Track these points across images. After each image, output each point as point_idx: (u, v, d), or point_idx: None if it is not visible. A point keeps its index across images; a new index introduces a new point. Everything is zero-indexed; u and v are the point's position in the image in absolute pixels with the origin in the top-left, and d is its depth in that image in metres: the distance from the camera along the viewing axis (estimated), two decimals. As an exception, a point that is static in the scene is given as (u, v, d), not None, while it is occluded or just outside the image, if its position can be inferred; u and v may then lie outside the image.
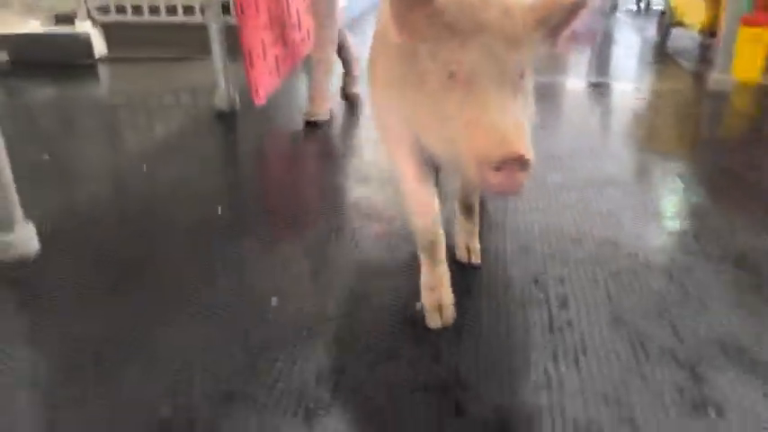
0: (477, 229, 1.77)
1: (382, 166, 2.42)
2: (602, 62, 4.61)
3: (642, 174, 2.48)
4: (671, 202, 2.18)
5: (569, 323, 1.48)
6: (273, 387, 1.28)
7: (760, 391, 1.27)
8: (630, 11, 6.19)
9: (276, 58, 3.10)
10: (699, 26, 4.01)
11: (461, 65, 1.09)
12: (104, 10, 4.66)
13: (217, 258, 1.77)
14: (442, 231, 1.47)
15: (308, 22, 3.39)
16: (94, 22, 4.48)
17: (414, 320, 1.47)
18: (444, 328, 1.44)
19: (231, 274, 1.70)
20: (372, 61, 1.45)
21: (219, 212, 2.06)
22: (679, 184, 2.31)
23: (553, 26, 1.14)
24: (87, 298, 1.60)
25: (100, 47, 4.44)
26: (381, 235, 1.90)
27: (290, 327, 1.47)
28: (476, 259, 1.74)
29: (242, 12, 2.69)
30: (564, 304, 1.56)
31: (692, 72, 3.86)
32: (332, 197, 2.23)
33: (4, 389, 1.29)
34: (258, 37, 2.87)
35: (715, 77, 3.39)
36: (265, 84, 2.95)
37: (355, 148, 2.71)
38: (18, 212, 1.73)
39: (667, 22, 4.54)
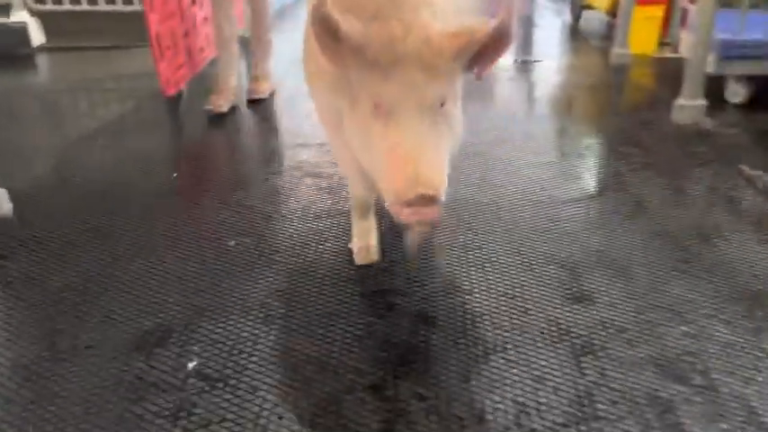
0: None
1: (319, 134, 2.69)
2: (526, 42, 4.99)
3: (557, 134, 2.83)
4: (577, 155, 2.54)
5: (479, 247, 1.80)
6: (237, 302, 1.54)
7: (622, 287, 1.62)
8: (550, -5, 6.65)
9: (188, 49, 3.08)
10: (604, 8, 4.43)
11: (382, 98, 1.11)
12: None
13: (177, 215, 2.00)
14: (372, 197, 1.63)
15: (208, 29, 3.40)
16: (31, 11, 4.52)
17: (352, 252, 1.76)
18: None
19: (192, 225, 1.93)
20: (307, 62, 1.45)
21: (174, 177, 2.29)
22: (585, 141, 2.69)
23: (476, 54, 1.15)
24: (64, 249, 1.80)
25: (37, 36, 4.48)
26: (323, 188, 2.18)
27: (248, 259, 1.73)
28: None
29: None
30: (472, 231, 1.87)
31: (598, 48, 4.27)
32: (276, 160, 2.48)
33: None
34: (168, 26, 2.83)
35: (615, 52, 3.80)
36: (176, 75, 2.94)
37: (295, 118, 2.95)
38: (-8, 176, 1.92)
39: (578, 4, 4.96)
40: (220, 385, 1.28)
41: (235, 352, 1.37)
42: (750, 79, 2.87)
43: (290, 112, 3.11)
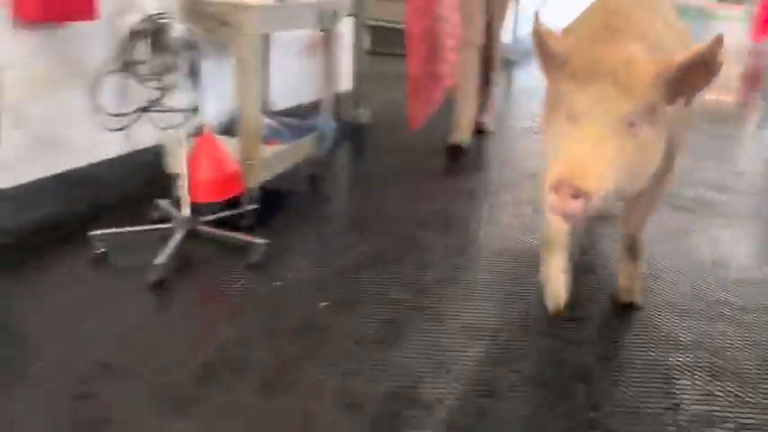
0: (639, 272, 1.85)
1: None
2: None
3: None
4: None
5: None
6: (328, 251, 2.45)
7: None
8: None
9: (429, 89, 3.26)
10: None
11: (573, 107, 1.24)
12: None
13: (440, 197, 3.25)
14: (563, 240, 1.73)
15: (452, 56, 3.54)
16: (364, 24, 5.41)
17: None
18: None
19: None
20: (543, 109, 1.70)
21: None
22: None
23: (681, 84, 1.23)
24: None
25: (366, 43, 6.23)
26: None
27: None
28: (636, 300, 1.83)
29: (410, 41, 2.79)
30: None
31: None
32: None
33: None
34: (423, 70, 3.04)
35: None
36: (422, 111, 3.15)
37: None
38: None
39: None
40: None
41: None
42: None
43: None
